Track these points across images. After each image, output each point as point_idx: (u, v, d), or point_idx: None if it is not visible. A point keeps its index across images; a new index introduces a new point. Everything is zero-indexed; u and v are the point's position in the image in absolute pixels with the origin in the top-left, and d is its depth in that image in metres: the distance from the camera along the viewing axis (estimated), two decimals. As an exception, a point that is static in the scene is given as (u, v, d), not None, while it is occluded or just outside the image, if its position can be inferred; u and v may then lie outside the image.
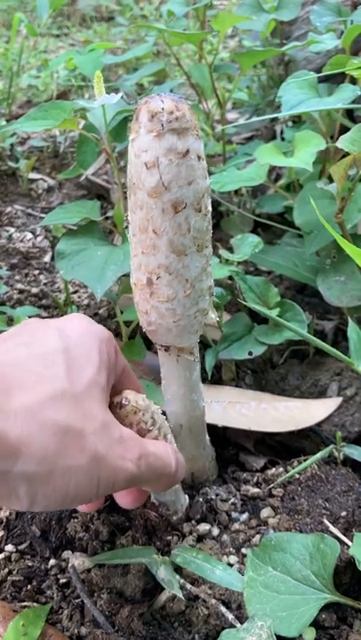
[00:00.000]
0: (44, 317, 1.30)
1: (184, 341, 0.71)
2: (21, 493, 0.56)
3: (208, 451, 0.92)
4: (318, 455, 0.92)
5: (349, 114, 1.35)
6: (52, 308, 1.37)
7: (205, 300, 0.69)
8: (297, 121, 1.55)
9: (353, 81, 1.18)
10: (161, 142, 0.57)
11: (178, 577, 0.80)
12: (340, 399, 1.02)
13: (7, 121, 1.92)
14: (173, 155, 0.58)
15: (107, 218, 1.53)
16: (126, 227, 0.67)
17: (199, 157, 0.60)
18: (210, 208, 0.65)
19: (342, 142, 0.90)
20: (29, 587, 0.85)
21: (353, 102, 1.05)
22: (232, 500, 0.91)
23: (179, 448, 0.88)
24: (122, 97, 1.03)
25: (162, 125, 0.57)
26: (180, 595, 0.77)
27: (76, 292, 1.45)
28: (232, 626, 0.76)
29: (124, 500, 0.78)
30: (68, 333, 0.64)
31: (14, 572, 0.87)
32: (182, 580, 0.80)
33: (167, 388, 0.79)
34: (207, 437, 0.91)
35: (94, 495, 0.60)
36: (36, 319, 0.69)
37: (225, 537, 0.87)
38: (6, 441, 0.53)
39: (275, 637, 0.64)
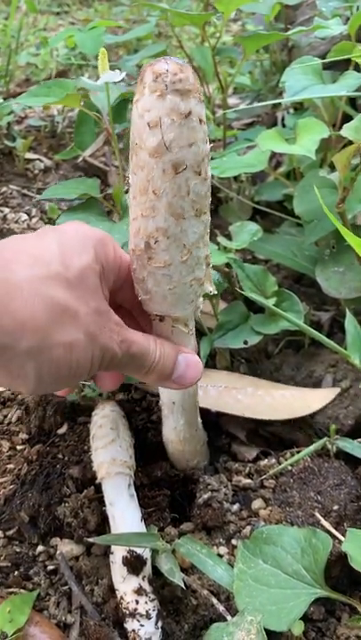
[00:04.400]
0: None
1: (179, 311, 0.71)
2: (28, 370, 0.59)
3: (200, 433, 0.92)
4: (311, 447, 0.91)
5: (352, 102, 1.33)
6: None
7: (202, 268, 0.69)
8: (299, 108, 1.53)
9: (357, 68, 1.16)
10: (164, 102, 0.58)
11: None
12: (337, 390, 1.01)
13: (5, 99, 1.88)
14: (176, 115, 0.58)
15: (105, 197, 1.51)
16: (127, 190, 0.67)
17: (201, 120, 0.61)
18: (210, 174, 0.65)
19: (346, 130, 0.88)
20: (16, 573, 0.85)
21: (357, 90, 1.04)
22: (223, 490, 0.90)
23: (172, 428, 0.88)
24: (124, 78, 1.01)
25: (165, 86, 0.58)
26: (181, 585, 0.76)
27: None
28: (221, 617, 0.75)
29: (102, 383, 0.80)
30: (63, 230, 0.67)
31: (1, 558, 0.86)
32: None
33: None
34: (199, 419, 0.90)
35: (89, 371, 0.64)
36: (47, 227, 0.71)
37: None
38: (10, 312, 0.57)
39: (264, 633, 0.64)
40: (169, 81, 0.58)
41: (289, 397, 1.00)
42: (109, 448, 0.87)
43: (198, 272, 0.69)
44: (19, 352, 0.58)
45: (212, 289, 0.72)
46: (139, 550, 0.79)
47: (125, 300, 0.76)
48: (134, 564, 0.78)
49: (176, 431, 0.87)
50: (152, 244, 0.65)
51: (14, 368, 0.59)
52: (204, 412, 0.93)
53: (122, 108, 1.19)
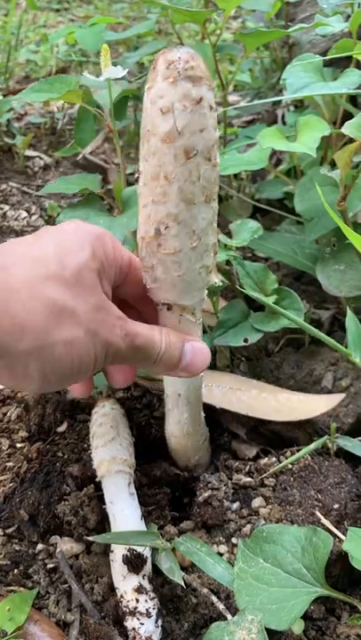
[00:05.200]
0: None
1: (187, 299, 0.72)
2: (32, 370, 0.60)
3: (203, 429, 0.92)
4: (312, 446, 0.91)
5: (353, 100, 1.33)
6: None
7: (210, 256, 0.70)
8: (299, 105, 1.53)
9: (358, 65, 1.16)
10: (176, 88, 0.60)
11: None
12: (341, 395, 1.00)
13: (4, 96, 1.88)
14: (188, 101, 0.60)
15: (105, 193, 1.50)
16: (136, 179, 0.68)
17: (211, 107, 0.63)
18: (218, 160, 0.67)
19: (348, 128, 0.88)
20: (16, 571, 0.84)
21: (358, 87, 1.03)
22: (223, 488, 0.90)
23: (175, 421, 0.88)
24: (126, 75, 1.01)
25: (178, 72, 0.60)
26: (181, 583, 0.76)
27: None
28: (221, 615, 0.75)
29: (115, 379, 0.81)
30: (61, 229, 0.68)
31: (1, 556, 0.86)
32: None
33: None
34: (203, 415, 0.90)
35: (93, 367, 0.65)
36: (48, 227, 0.72)
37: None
38: (12, 317, 0.58)
39: (265, 632, 0.64)
40: (181, 68, 0.60)
41: (294, 401, 1.00)
42: (109, 446, 0.86)
43: (207, 259, 0.70)
44: (20, 353, 0.59)
45: (217, 280, 0.73)
46: (139, 549, 0.79)
47: (129, 295, 0.76)
48: (134, 563, 0.78)
49: (180, 425, 0.87)
50: (162, 230, 0.66)
51: (18, 369, 0.60)
52: (206, 409, 0.93)
53: (122, 105, 1.18)
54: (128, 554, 0.78)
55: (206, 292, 0.74)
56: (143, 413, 1.01)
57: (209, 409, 0.96)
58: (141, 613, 0.75)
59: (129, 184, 1.15)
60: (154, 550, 0.80)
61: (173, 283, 0.70)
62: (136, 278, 0.74)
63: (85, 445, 0.95)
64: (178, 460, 0.93)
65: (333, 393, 1.05)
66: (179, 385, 0.83)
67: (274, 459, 0.95)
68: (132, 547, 0.79)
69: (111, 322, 0.65)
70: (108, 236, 0.70)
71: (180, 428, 0.88)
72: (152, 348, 0.70)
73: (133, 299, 0.77)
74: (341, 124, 0.92)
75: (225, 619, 0.73)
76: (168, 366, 0.73)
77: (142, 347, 0.69)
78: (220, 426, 1.02)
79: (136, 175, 0.70)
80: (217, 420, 1.02)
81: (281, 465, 0.91)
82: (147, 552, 0.80)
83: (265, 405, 0.99)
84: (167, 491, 0.90)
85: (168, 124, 0.61)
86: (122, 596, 0.77)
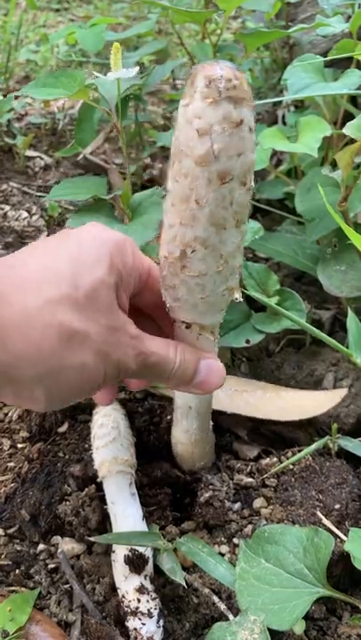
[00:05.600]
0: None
1: (208, 319, 0.70)
2: (38, 394, 0.60)
3: (210, 436, 0.92)
4: (313, 446, 0.91)
5: (353, 100, 1.33)
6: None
7: (235, 277, 0.68)
8: (300, 106, 1.53)
9: (359, 66, 1.16)
10: (216, 110, 0.55)
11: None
12: (345, 390, 1.00)
13: (4, 96, 1.88)
14: (227, 123, 0.56)
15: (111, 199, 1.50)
16: (163, 196, 0.66)
17: (251, 129, 0.59)
18: (253, 183, 0.63)
19: (349, 129, 0.88)
20: (17, 571, 0.84)
21: (359, 88, 1.03)
22: (225, 489, 0.90)
23: (184, 431, 0.87)
24: (137, 72, 0.99)
25: (219, 93, 0.55)
26: (183, 584, 0.76)
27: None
28: (223, 616, 0.75)
29: (128, 383, 0.81)
30: (80, 238, 0.65)
31: (2, 557, 0.86)
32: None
33: None
34: (211, 423, 0.90)
35: (101, 386, 0.65)
36: (68, 230, 0.70)
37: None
38: (23, 343, 0.57)
39: (267, 632, 0.64)
40: (223, 87, 0.55)
41: (298, 399, 1.00)
42: (110, 447, 0.87)
43: (232, 281, 0.67)
44: (28, 379, 0.59)
45: (238, 296, 0.70)
46: (141, 549, 0.79)
47: (145, 304, 0.75)
48: (136, 563, 0.78)
49: (188, 434, 0.87)
50: (188, 252, 0.63)
51: (24, 393, 0.60)
52: (214, 413, 0.93)
53: (124, 105, 1.18)
54: (130, 554, 0.78)
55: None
56: (145, 418, 1.00)
57: (217, 413, 0.96)
58: (143, 613, 0.75)
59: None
60: (155, 550, 0.80)
61: (195, 304, 0.67)
62: (154, 287, 0.72)
63: (86, 446, 0.95)
64: (182, 464, 0.93)
65: (334, 393, 1.05)
66: (190, 398, 0.82)
67: (275, 459, 0.95)
68: (133, 547, 0.79)
69: (125, 342, 0.64)
70: (128, 242, 0.68)
71: (188, 436, 0.87)
72: (165, 365, 0.69)
73: (150, 307, 0.76)
74: (342, 124, 0.92)
75: (226, 619, 0.73)
76: (181, 382, 0.72)
77: (155, 365, 0.68)
78: (222, 427, 1.02)
79: (163, 193, 0.67)
80: (218, 422, 1.02)
81: (282, 465, 0.91)
82: (148, 552, 0.80)
83: (271, 405, 0.99)
84: (168, 491, 0.90)
85: (205, 146, 0.57)
86: (123, 597, 0.77)
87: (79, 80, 1.00)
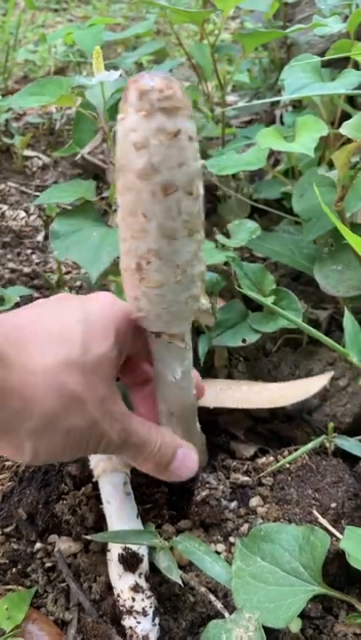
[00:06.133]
0: (35, 298, 1.28)
1: (174, 328, 0.69)
2: (27, 448, 0.62)
3: (198, 438, 0.91)
4: (309, 445, 0.91)
5: (351, 100, 1.33)
6: (43, 288, 1.35)
7: (197, 285, 0.66)
8: (297, 106, 1.53)
9: (356, 66, 1.16)
10: (150, 122, 0.54)
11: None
12: (330, 374, 1.01)
13: (2, 96, 1.88)
14: (163, 135, 0.55)
15: (102, 198, 1.51)
16: (115, 210, 0.66)
17: (190, 138, 0.57)
18: (202, 191, 0.62)
19: (346, 128, 0.88)
20: (14, 570, 0.84)
21: (356, 88, 1.04)
22: (221, 487, 0.90)
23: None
24: (121, 75, 1.01)
25: (151, 104, 0.54)
26: (179, 582, 0.76)
27: (68, 272, 1.43)
28: (219, 614, 0.75)
29: None
30: (91, 308, 0.68)
31: (-1, 555, 0.86)
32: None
33: (158, 376, 0.78)
34: (197, 425, 0.90)
35: (83, 453, 0.68)
36: (68, 294, 0.74)
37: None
38: (22, 397, 0.59)
39: (262, 630, 0.64)
40: (155, 99, 0.53)
41: (284, 388, 1.00)
42: None
43: (194, 289, 0.66)
44: (23, 432, 0.60)
45: (204, 302, 0.71)
46: (134, 547, 0.79)
47: (134, 353, 0.77)
48: (130, 562, 0.78)
49: None
50: (144, 264, 0.62)
51: (14, 441, 0.62)
52: (204, 412, 0.93)
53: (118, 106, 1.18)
54: (123, 553, 0.79)
55: (204, 300, 0.73)
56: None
57: (206, 411, 0.96)
58: (138, 612, 0.75)
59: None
60: (152, 549, 0.80)
61: (159, 314, 0.66)
62: (144, 356, 0.75)
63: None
64: None
65: (331, 392, 1.05)
66: (171, 404, 0.81)
67: (271, 458, 0.95)
68: (127, 546, 0.79)
69: (113, 415, 0.66)
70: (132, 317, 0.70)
71: None
72: (146, 446, 0.72)
73: (137, 356, 0.78)
74: (339, 124, 0.92)
75: (223, 617, 0.73)
76: (158, 465, 0.74)
77: (136, 444, 0.70)
78: (218, 426, 1.02)
79: (114, 207, 0.67)
80: (214, 421, 1.02)
81: (279, 464, 0.91)
82: (143, 551, 0.80)
83: (258, 396, 0.99)
84: (165, 490, 0.90)
85: (143, 160, 0.55)
86: (119, 595, 0.77)
87: (65, 87, 1.01)
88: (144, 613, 0.75)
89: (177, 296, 0.64)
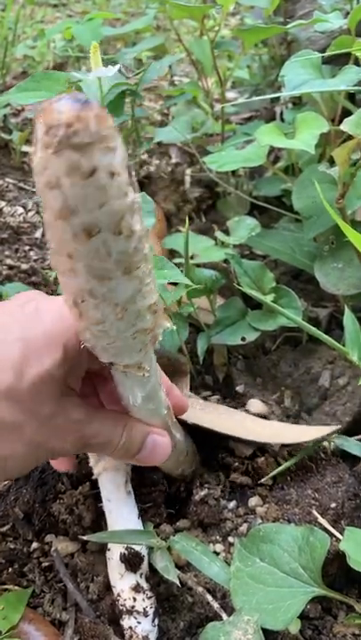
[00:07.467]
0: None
1: (125, 360, 0.62)
2: None
3: (180, 447, 0.87)
4: (309, 445, 0.90)
5: (351, 97, 1.32)
6: (41, 285, 1.35)
7: (145, 319, 0.58)
8: (297, 102, 1.52)
9: (357, 62, 1.15)
10: (60, 160, 0.45)
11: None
12: (337, 427, 0.94)
13: (1, 92, 1.87)
14: (77, 175, 0.46)
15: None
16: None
17: (112, 174, 0.48)
18: (136, 227, 0.52)
19: (346, 125, 0.87)
20: (11, 569, 0.84)
21: (357, 84, 1.03)
22: (220, 487, 0.89)
23: None
24: (119, 70, 1.00)
25: (59, 141, 0.45)
26: (177, 582, 0.76)
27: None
28: (217, 615, 0.75)
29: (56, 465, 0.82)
30: (36, 322, 0.62)
31: (-4, 555, 0.86)
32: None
33: (122, 398, 0.71)
34: (179, 435, 0.85)
35: (29, 469, 0.68)
36: (28, 294, 0.68)
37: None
38: None
39: (261, 632, 0.63)
40: (62, 135, 0.44)
41: (278, 427, 0.96)
42: None
43: (141, 324, 0.58)
44: None
45: (169, 325, 0.64)
46: (136, 547, 0.78)
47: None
48: (132, 561, 0.78)
49: None
50: (79, 301, 0.55)
51: None
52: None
53: (119, 101, 1.17)
54: (125, 552, 0.78)
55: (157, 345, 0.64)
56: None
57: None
58: (138, 612, 0.75)
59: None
60: (149, 549, 0.80)
61: (105, 348, 0.59)
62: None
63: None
64: (163, 469, 0.91)
65: (330, 391, 1.05)
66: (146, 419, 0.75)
67: (271, 458, 0.94)
68: (129, 545, 0.78)
69: (64, 428, 0.63)
70: None
71: None
72: (109, 444, 0.68)
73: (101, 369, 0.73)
74: (340, 121, 0.91)
75: (220, 618, 0.72)
76: (123, 457, 0.72)
77: (98, 444, 0.67)
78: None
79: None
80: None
81: (279, 469, 0.90)
82: (144, 550, 0.79)
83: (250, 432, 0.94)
84: (163, 488, 0.89)
85: (58, 201, 0.47)
86: (119, 595, 0.77)
87: (62, 81, 0.98)
88: (145, 614, 0.75)
89: (121, 333, 0.58)
